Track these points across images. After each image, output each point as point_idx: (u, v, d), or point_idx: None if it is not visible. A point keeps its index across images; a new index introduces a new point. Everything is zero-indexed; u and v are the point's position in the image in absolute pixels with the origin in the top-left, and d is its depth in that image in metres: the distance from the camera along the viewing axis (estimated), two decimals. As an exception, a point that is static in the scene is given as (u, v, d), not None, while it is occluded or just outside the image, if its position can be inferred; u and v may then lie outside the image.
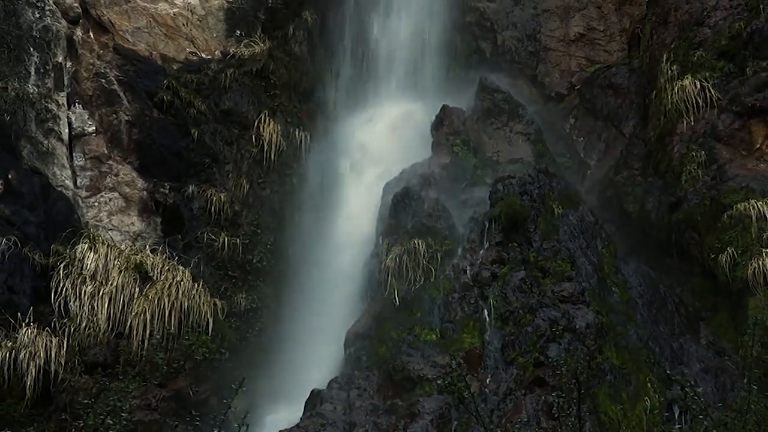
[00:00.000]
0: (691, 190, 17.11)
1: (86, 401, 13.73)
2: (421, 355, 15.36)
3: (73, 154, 18.49)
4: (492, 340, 15.30)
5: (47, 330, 15.59)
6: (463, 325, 15.64)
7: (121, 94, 19.07)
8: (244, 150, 19.65)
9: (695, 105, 17.68)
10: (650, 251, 17.66)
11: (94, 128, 18.76)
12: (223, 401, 16.21)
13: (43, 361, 15.26)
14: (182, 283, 16.52)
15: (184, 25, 20.57)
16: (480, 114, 19.13)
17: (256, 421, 12.80)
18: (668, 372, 15.07)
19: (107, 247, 16.82)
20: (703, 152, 17.27)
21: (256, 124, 19.81)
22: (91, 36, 19.47)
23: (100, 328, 15.92)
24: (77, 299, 16.12)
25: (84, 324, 15.93)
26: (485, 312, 15.68)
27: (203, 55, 20.57)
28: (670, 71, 18.36)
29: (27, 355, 15.17)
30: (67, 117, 18.49)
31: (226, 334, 17.00)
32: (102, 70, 19.13)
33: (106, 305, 16.07)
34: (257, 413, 14.67)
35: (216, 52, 20.70)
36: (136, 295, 16.24)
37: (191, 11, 20.76)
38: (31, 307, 15.85)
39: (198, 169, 19.00)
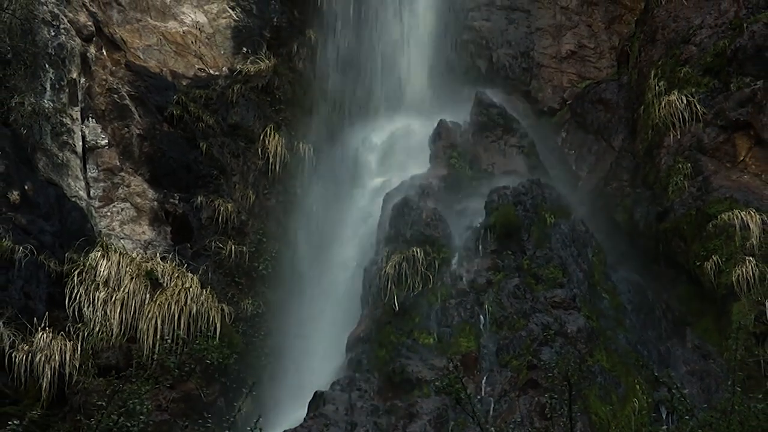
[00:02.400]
0: (678, 201, 17.15)
1: (100, 403, 13.76)
2: (420, 359, 15.40)
3: (87, 166, 18.54)
4: (487, 344, 15.35)
5: (62, 334, 15.63)
6: (459, 329, 15.68)
7: (133, 108, 19.12)
8: (250, 162, 19.71)
9: (682, 119, 17.72)
10: (638, 259, 17.69)
11: (106, 141, 18.81)
12: (231, 402, 16.37)
13: (58, 364, 15.29)
14: (191, 289, 16.56)
15: (193, 42, 20.63)
16: (476, 128, 19.18)
17: (261, 421, 12.81)
18: (656, 374, 14.98)
19: (119, 255, 16.85)
20: (689, 164, 17.31)
21: (261, 137, 19.87)
22: (104, 53, 19.52)
23: (112, 332, 15.95)
24: (91, 305, 16.15)
25: (97, 328, 15.96)
26: (481, 317, 15.73)
27: (211, 72, 20.62)
28: (657, 87, 18.40)
29: (43, 358, 15.21)
30: (81, 131, 18.54)
31: (234, 338, 17.04)
32: (114, 86, 19.18)
33: (119, 311, 16.10)
34: (262, 414, 14.68)
35: (223, 69, 20.76)
36: (147, 301, 16.26)
37: (200, 29, 20.82)
38: (47, 313, 15.88)
39: (206, 180, 19.05)
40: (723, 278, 15.72)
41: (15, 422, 8.78)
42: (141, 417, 8.81)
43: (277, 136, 19.91)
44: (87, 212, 17.84)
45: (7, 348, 15.18)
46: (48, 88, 18.05)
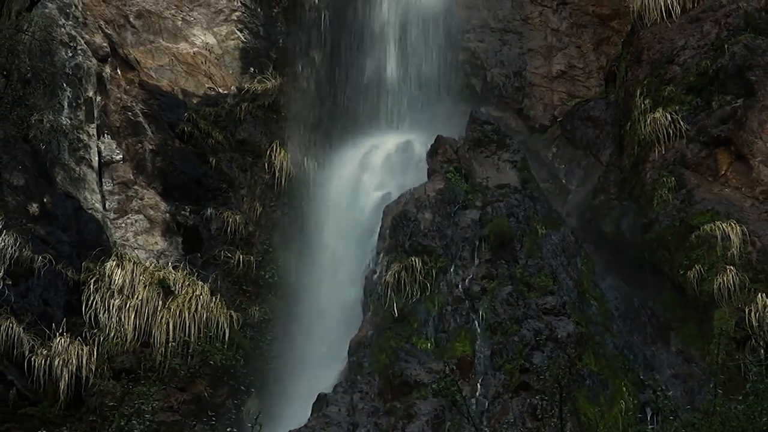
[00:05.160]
0: (662, 213, 17.21)
1: (114, 404, 13.83)
2: (418, 362, 15.42)
3: (102, 180, 18.60)
4: (482, 349, 15.38)
5: (79, 339, 15.71)
6: (455, 334, 15.71)
7: (146, 125, 19.19)
8: (258, 176, 19.76)
9: (666, 135, 17.77)
10: (625, 268, 17.72)
11: (121, 156, 18.88)
12: (238, 404, 16.40)
13: (75, 367, 15.36)
14: (201, 296, 16.62)
15: (203, 63, 20.69)
16: (471, 143, 19.17)
17: (267, 421, 12.86)
18: (642, 377, 15.15)
19: (133, 264, 16.92)
20: (673, 178, 17.37)
21: (268, 152, 19.92)
22: (119, 73, 19.60)
23: (126, 337, 16.01)
24: (106, 311, 16.21)
25: (112, 334, 16.02)
26: (476, 323, 15.76)
27: (220, 90, 20.67)
28: (643, 105, 18.44)
29: (61, 362, 15.28)
30: (97, 146, 18.61)
31: (241, 342, 17.08)
32: (128, 104, 19.25)
33: (132, 317, 16.16)
34: (268, 414, 14.73)
35: (232, 88, 20.80)
36: (159, 308, 16.32)
37: (209, 50, 20.88)
38: (65, 319, 15.97)
39: (215, 193, 19.09)
40: (705, 286, 15.79)
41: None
42: (147, 416, 8.91)
43: (282, 151, 19.98)
44: (102, 224, 17.91)
45: (27, 352, 15.27)
46: (66, 106, 18.14)
